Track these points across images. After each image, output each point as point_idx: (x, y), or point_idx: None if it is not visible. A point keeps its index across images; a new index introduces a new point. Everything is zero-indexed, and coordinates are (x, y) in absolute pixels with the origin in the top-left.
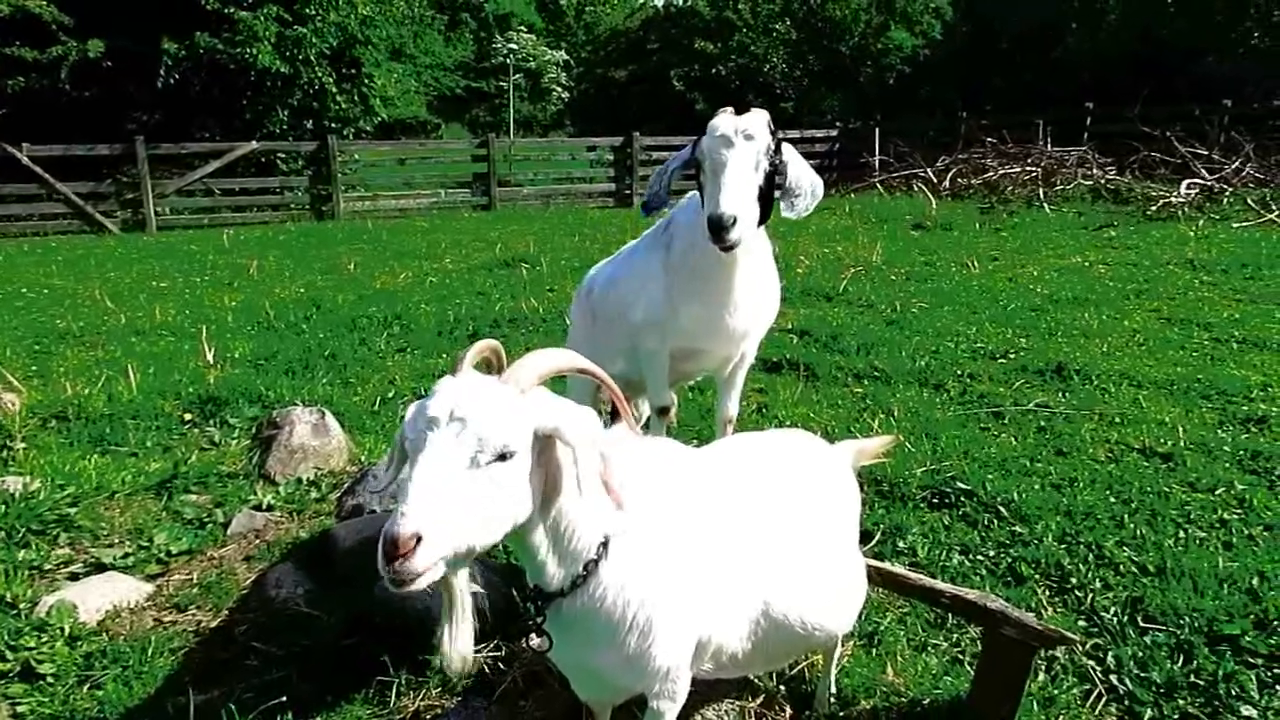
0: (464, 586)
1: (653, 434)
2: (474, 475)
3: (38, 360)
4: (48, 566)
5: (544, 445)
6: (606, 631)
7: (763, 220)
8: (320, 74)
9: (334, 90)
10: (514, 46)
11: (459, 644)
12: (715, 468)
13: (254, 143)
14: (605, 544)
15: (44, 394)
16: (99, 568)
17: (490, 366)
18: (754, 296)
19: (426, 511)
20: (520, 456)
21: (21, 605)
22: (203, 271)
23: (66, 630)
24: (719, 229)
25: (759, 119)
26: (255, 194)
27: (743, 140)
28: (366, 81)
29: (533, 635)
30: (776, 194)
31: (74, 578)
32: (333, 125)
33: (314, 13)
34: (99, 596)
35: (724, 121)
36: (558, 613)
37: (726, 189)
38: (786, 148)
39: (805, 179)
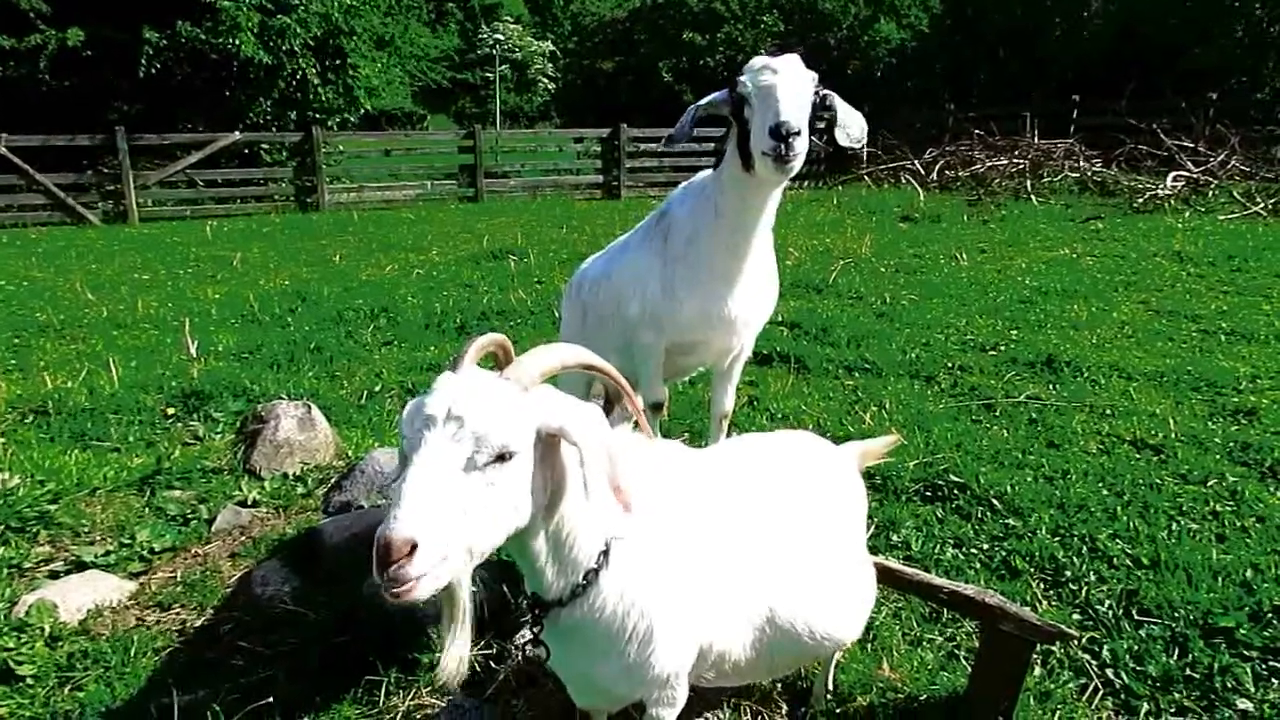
0: (466, 593)
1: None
2: (471, 477)
3: (17, 353)
4: (27, 565)
5: (547, 446)
6: (606, 641)
7: (809, 160)
8: (304, 64)
9: (318, 81)
10: (500, 37)
11: (455, 653)
12: (718, 471)
13: (237, 133)
14: (606, 552)
15: (23, 387)
16: (80, 566)
17: (497, 362)
18: (757, 284)
19: (421, 516)
20: (521, 458)
21: (0, 605)
22: (185, 263)
23: (46, 630)
24: (783, 136)
25: (796, 58)
26: (239, 185)
27: (787, 66)
28: (351, 72)
29: (529, 645)
30: (821, 138)
31: (54, 576)
32: (317, 116)
33: (297, 1)
34: (80, 595)
35: (763, 57)
36: (556, 622)
37: (784, 100)
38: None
39: (853, 114)
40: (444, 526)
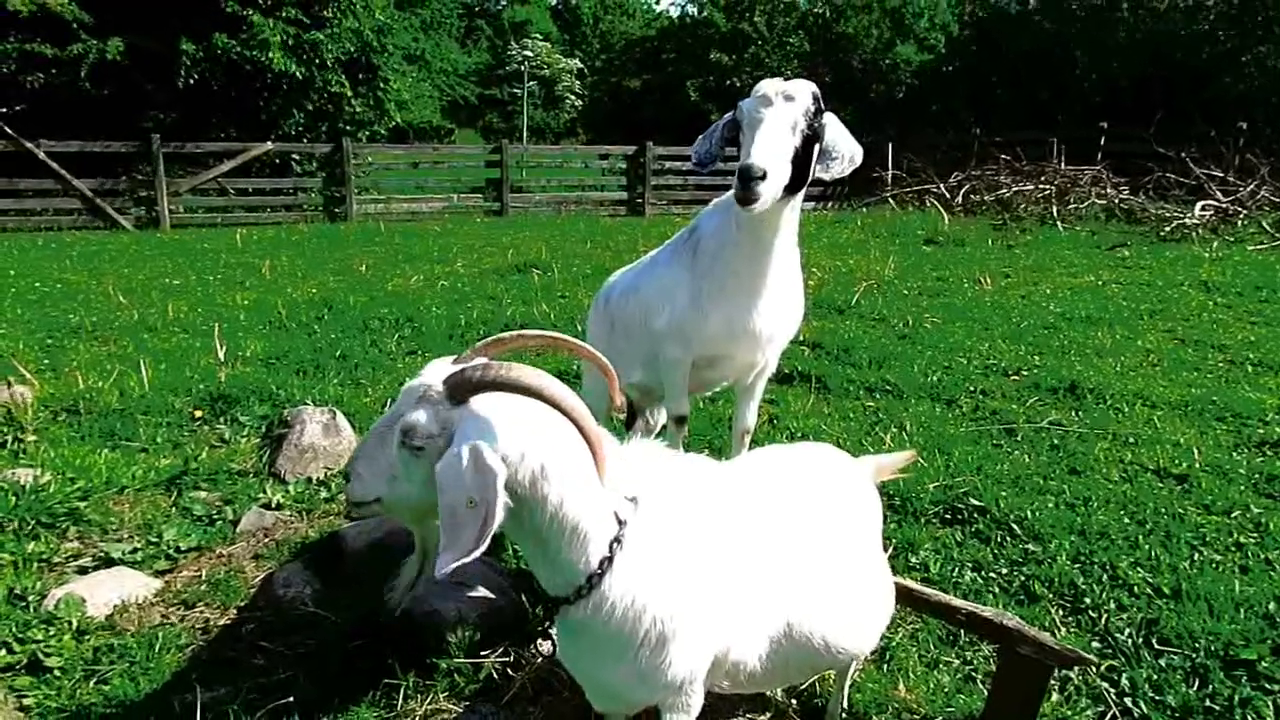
0: (421, 536)
1: (669, 444)
2: (395, 450)
3: (50, 353)
4: (56, 560)
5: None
6: (616, 644)
7: (796, 188)
8: (335, 78)
9: (349, 94)
10: (529, 54)
11: (406, 575)
12: (739, 482)
13: (269, 143)
14: (610, 558)
15: (56, 387)
16: (108, 562)
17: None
18: (782, 299)
19: (357, 462)
20: (427, 451)
21: (30, 598)
22: (215, 270)
23: (74, 624)
24: (746, 179)
25: (804, 84)
26: (269, 194)
27: (782, 100)
28: (382, 85)
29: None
30: (816, 166)
31: (83, 571)
32: (348, 128)
33: (331, 16)
34: (107, 591)
35: (767, 83)
36: (565, 619)
37: (758, 143)
38: (829, 115)
39: (844, 144)
40: (367, 474)
